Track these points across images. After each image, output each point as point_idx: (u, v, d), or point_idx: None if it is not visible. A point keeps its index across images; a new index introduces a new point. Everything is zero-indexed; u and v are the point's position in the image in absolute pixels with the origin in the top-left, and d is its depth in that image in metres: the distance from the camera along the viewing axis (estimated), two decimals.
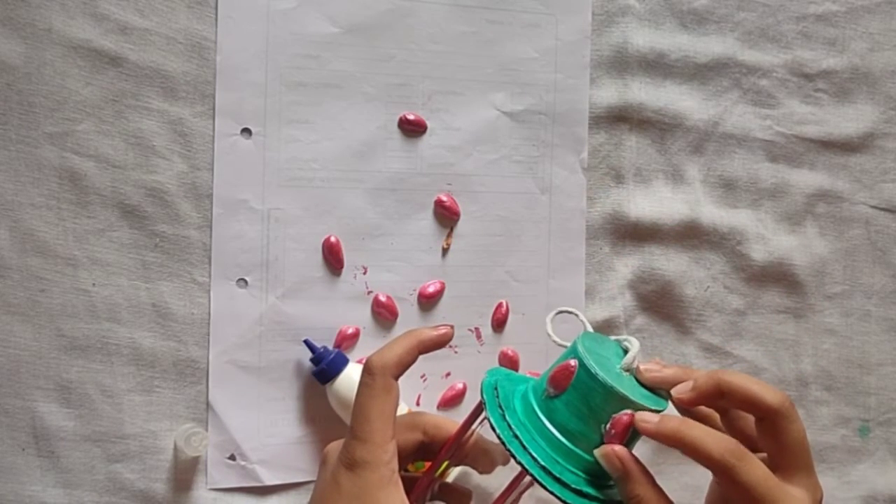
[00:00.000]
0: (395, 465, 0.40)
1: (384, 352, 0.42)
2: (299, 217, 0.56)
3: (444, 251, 0.59)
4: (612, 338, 0.45)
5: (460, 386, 0.59)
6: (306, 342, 0.54)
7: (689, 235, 0.64)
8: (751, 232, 0.65)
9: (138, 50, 0.53)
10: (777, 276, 0.66)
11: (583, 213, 0.61)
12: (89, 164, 0.52)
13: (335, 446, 0.42)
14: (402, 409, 0.54)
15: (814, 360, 0.66)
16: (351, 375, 0.54)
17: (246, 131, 0.55)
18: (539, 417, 0.41)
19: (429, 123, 0.58)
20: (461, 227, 0.59)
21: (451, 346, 0.59)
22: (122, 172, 0.53)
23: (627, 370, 0.42)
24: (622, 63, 0.62)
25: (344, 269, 0.57)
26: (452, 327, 0.45)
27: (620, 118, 0.62)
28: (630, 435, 0.40)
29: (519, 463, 0.39)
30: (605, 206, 0.62)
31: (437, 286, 0.58)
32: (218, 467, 0.54)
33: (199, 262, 0.54)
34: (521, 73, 0.60)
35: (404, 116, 0.57)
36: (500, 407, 0.41)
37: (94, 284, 0.53)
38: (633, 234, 0.63)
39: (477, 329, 0.59)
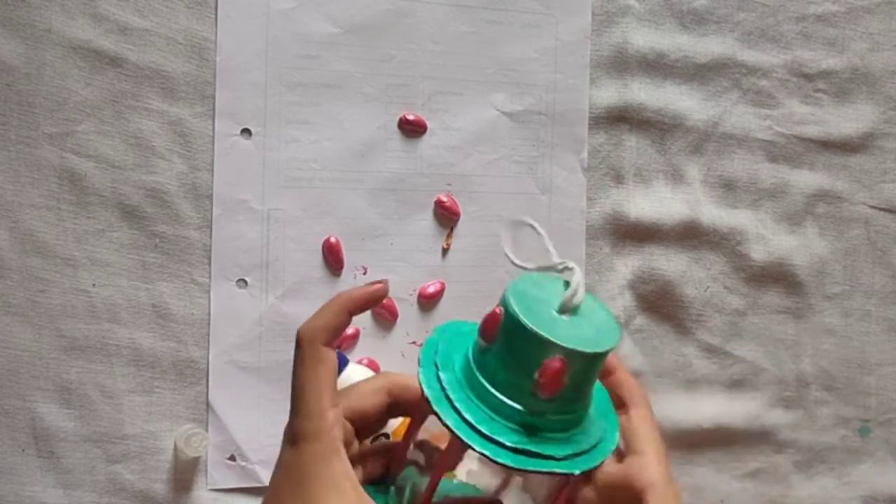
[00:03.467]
0: (336, 434, 0.38)
1: (311, 319, 0.40)
2: (299, 217, 0.56)
3: (444, 251, 0.59)
4: (556, 273, 0.40)
5: None
6: None
7: (689, 236, 0.64)
8: (751, 232, 0.65)
9: (138, 50, 0.53)
10: (777, 277, 0.66)
11: (583, 213, 0.61)
12: (89, 164, 0.52)
13: None
14: (367, 374, 0.54)
15: (814, 360, 0.66)
16: (351, 377, 0.53)
17: (246, 131, 0.55)
18: (474, 373, 0.37)
19: (429, 123, 0.58)
20: (461, 227, 0.59)
21: None
22: (121, 173, 0.53)
23: (566, 310, 0.38)
24: (622, 63, 0.62)
25: (344, 270, 0.57)
26: (385, 282, 0.41)
27: (620, 118, 0.62)
28: (577, 378, 0.36)
29: (445, 424, 0.35)
30: (605, 206, 0.62)
31: (437, 286, 0.58)
32: (218, 468, 0.54)
33: (199, 262, 0.54)
34: (520, 74, 0.60)
35: (404, 116, 0.57)
36: (436, 365, 0.38)
37: (94, 285, 0.53)
38: (633, 234, 0.63)
39: None
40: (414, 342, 0.58)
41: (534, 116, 0.60)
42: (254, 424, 0.55)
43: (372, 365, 0.56)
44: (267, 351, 0.55)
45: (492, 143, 0.59)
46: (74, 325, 0.52)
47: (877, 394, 0.69)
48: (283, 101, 0.55)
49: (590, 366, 0.36)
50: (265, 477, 0.55)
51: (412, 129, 0.58)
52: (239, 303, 0.55)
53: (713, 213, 0.64)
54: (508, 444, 0.35)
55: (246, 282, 0.55)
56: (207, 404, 0.54)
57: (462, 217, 0.59)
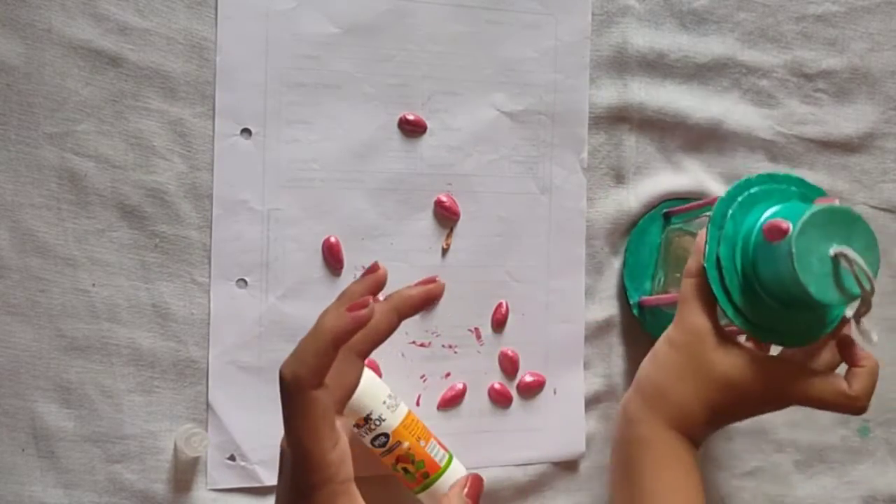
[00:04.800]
0: (343, 475, 0.38)
1: (294, 362, 0.38)
2: (299, 217, 0.56)
3: (444, 251, 0.59)
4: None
5: (460, 386, 0.59)
6: None
7: None
8: None
9: (138, 50, 0.53)
10: None
11: (583, 213, 0.61)
12: (89, 164, 0.52)
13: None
14: (386, 391, 0.54)
15: None
16: None
17: (246, 132, 0.55)
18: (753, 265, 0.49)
19: (429, 124, 0.58)
20: (461, 227, 0.59)
21: (450, 347, 0.59)
22: (122, 172, 0.53)
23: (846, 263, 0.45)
24: (622, 63, 0.62)
25: (344, 270, 0.57)
26: (361, 306, 0.38)
27: (620, 118, 0.62)
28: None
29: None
30: (605, 206, 0.62)
31: None
32: (218, 468, 0.54)
33: (199, 262, 0.54)
34: (520, 74, 0.60)
35: (404, 117, 0.57)
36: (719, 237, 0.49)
37: (94, 285, 0.53)
38: None
39: (477, 329, 0.59)
40: (413, 342, 0.58)
41: (534, 116, 0.60)
42: (254, 424, 0.55)
43: (371, 365, 0.56)
44: (267, 351, 0.55)
45: (492, 143, 0.59)
46: (74, 325, 0.52)
47: (877, 394, 0.69)
48: (283, 101, 0.55)
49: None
50: (265, 477, 0.55)
51: (412, 129, 0.58)
52: (239, 303, 0.55)
53: None
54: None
55: (246, 282, 0.55)
56: (207, 404, 0.54)
57: (462, 217, 0.59)
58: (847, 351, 0.51)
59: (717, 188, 0.64)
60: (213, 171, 0.54)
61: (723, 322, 0.50)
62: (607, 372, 0.62)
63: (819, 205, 0.46)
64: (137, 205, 0.53)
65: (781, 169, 0.66)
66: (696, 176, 0.64)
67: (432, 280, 0.43)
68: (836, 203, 0.47)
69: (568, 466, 0.61)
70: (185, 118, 0.54)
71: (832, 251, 0.45)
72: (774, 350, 0.54)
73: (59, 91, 0.52)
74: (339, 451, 0.38)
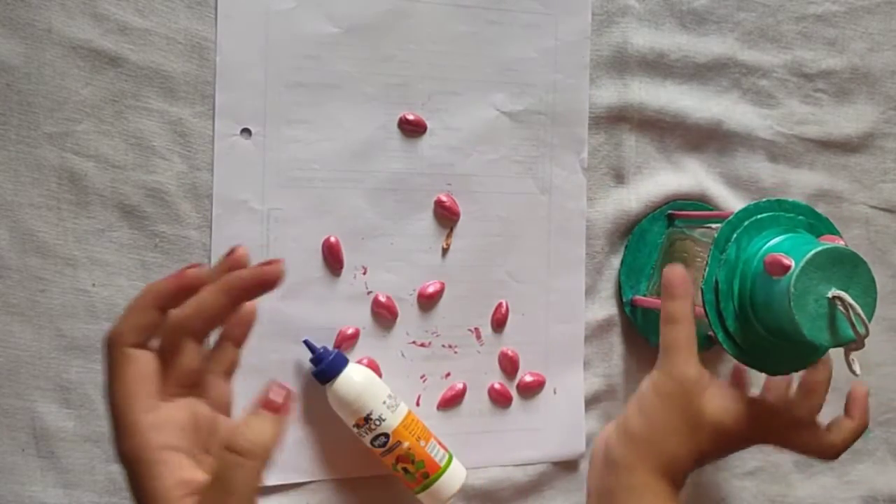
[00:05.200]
0: (159, 441, 0.35)
1: (115, 322, 0.36)
2: (299, 217, 0.56)
3: (444, 251, 0.59)
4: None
5: (460, 386, 0.59)
6: (306, 342, 0.54)
7: None
8: None
9: (138, 50, 0.53)
10: None
11: (583, 213, 0.61)
12: (89, 164, 0.52)
13: None
14: (386, 391, 0.54)
15: None
16: (351, 375, 0.54)
17: (246, 131, 0.55)
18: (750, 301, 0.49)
19: (429, 123, 0.58)
20: (461, 227, 0.59)
21: (450, 347, 0.59)
22: (122, 172, 0.53)
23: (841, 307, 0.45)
24: (622, 63, 0.62)
25: (344, 270, 0.57)
26: (191, 267, 0.37)
27: (620, 118, 0.62)
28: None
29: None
30: (605, 206, 0.62)
31: (437, 286, 0.58)
32: None
33: (199, 262, 0.54)
34: (520, 74, 0.60)
35: (404, 116, 0.57)
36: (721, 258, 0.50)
37: (93, 284, 0.53)
38: None
39: (477, 329, 0.59)
40: (413, 342, 0.58)
41: (534, 116, 0.60)
42: None
43: (371, 364, 0.56)
44: (267, 351, 0.55)
45: (492, 143, 0.59)
46: (74, 325, 0.52)
47: (876, 394, 0.69)
48: (283, 101, 0.55)
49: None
50: (265, 476, 0.55)
51: (412, 129, 0.58)
52: None
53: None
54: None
55: None
56: None
57: (462, 217, 0.59)
58: (853, 403, 0.53)
59: (717, 188, 0.64)
60: (213, 171, 0.54)
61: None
62: (607, 372, 0.62)
63: (823, 243, 0.46)
64: (137, 205, 0.53)
65: (781, 169, 0.66)
66: (696, 176, 0.64)
67: (273, 262, 0.38)
68: (842, 244, 0.47)
69: (568, 466, 0.61)
70: (185, 118, 0.54)
71: (830, 294, 0.45)
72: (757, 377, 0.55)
73: (59, 91, 0.52)
74: (156, 417, 0.35)
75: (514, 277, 0.60)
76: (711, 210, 0.63)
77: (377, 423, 0.53)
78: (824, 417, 0.67)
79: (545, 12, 0.60)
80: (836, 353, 0.50)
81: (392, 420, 0.53)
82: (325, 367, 0.54)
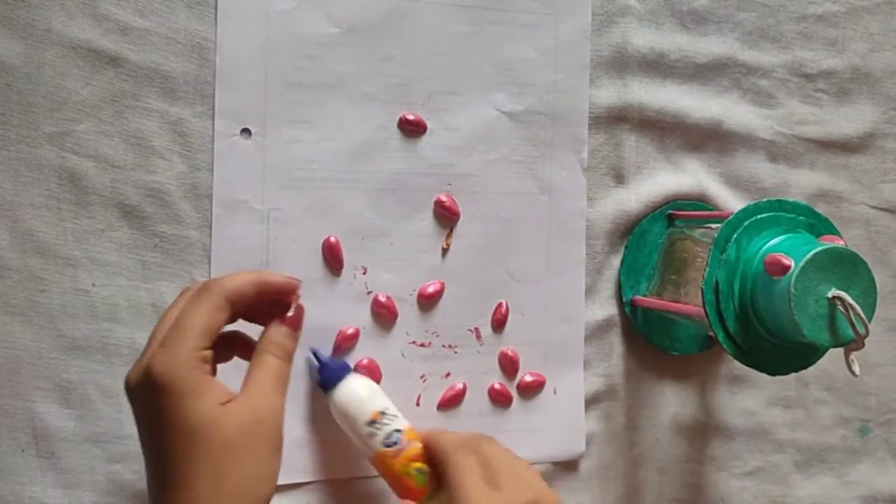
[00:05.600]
0: (198, 373, 0.38)
1: (225, 276, 0.42)
2: (299, 217, 0.56)
3: (444, 251, 0.59)
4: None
5: (460, 386, 0.59)
6: (312, 351, 0.54)
7: None
8: None
9: (138, 50, 0.53)
10: None
11: (583, 213, 0.61)
12: (89, 164, 0.52)
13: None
14: (369, 384, 0.54)
15: None
16: (353, 386, 0.53)
17: (246, 131, 0.55)
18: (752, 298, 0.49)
19: (429, 123, 0.58)
20: (461, 227, 0.59)
21: (450, 347, 0.59)
22: (122, 172, 0.53)
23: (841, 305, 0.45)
24: (622, 63, 0.62)
25: (344, 270, 0.57)
26: (299, 282, 0.45)
27: (620, 118, 0.62)
28: None
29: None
30: (605, 206, 0.62)
31: (437, 286, 0.58)
32: None
33: (199, 262, 0.54)
34: (520, 73, 0.60)
35: (404, 116, 0.57)
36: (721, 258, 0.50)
37: (94, 284, 0.53)
38: None
39: (477, 329, 0.59)
40: (413, 342, 0.58)
41: (534, 116, 0.60)
42: None
43: (371, 365, 0.56)
44: None
45: (492, 143, 0.59)
46: (74, 325, 0.52)
47: (877, 394, 0.69)
48: (283, 101, 0.55)
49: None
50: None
51: (412, 129, 0.58)
52: None
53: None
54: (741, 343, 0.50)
55: None
56: None
57: (462, 217, 0.59)
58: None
59: (717, 188, 0.64)
60: (213, 171, 0.54)
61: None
62: (607, 372, 0.62)
63: (823, 243, 0.46)
64: (137, 205, 0.53)
65: (781, 169, 0.66)
66: (696, 176, 0.64)
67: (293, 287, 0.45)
68: (842, 244, 0.47)
69: (568, 466, 0.61)
70: (185, 118, 0.54)
71: (830, 294, 0.45)
72: None
73: (59, 91, 0.52)
74: (202, 358, 0.40)
75: (514, 277, 0.60)
76: (711, 210, 0.63)
77: (392, 417, 0.52)
78: (824, 418, 0.67)
79: (545, 12, 0.60)
80: (836, 353, 0.50)
81: (403, 421, 0.53)
82: (326, 376, 0.53)
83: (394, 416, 0.53)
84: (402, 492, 0.52)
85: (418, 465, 0.51)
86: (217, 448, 0.36)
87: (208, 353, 0.39)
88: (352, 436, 0.53)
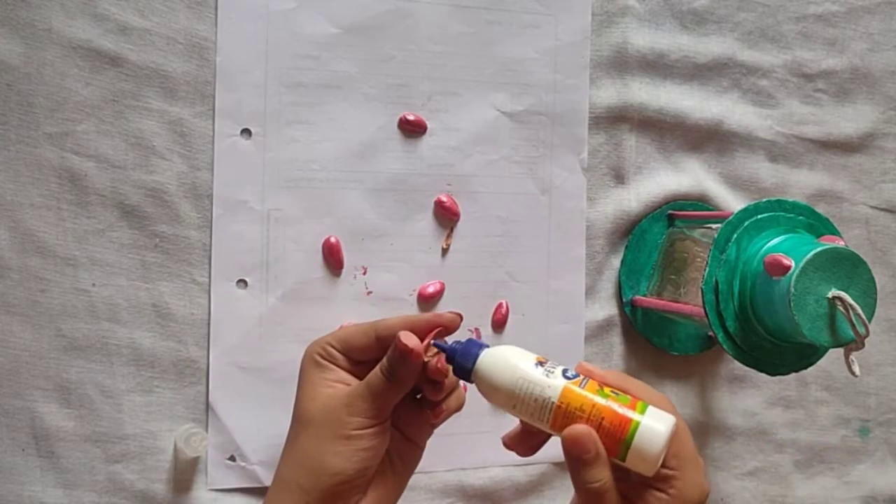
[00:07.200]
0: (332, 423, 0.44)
1: (388, 318, 0.46)
2: (299, 217, 0.56)
3: (444, 251, 0.59)
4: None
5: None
6: (436, 345, 0.46)
7: None
8: None
9: (138, 50, 0.53)
10: None
11: (583, 213, 0.61)
12: (89, 164, 0.52)
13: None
14: None
15: None
16: (493, 351, 0.46)
17: (246, 132, 0.55)
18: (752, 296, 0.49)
19: (429, 124, 0.58)
20: (461, 227, 0.59)
21: None
22: (122, 172, 0.53)
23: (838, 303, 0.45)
24: (622, 63, 0.62)
25: (344, 270, 0.57)
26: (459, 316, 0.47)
27: (620, 118, 0.62)
28: None
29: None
30: (605, 206, 0.62)
31: (437, 286, 0.58)
32: (218, 468, 0.54)
33: (199, 262, 0.54)
34: (520, 74, 0.60)
35: (404, 117, 0.57)
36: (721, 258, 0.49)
37: (94, 284, 0.53)
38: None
39: (477, 329, 0.59)
40: None
41: (534, 116, 0.60)
42: (254, 425, 0.55)
43: None
44: (267, 351, 0.55)
45: (492, 143, 0.59)
46: (74, 325, 0.52)
47: (877, 394, 0.69)
48: (283, 101, 0.55)
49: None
50: (265, 477, 0.55)
51: (412, 129, 0.58)
52: (239, 303, 0.55)
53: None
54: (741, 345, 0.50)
55: (246, 282, 0.55)
56: (207, 404, 0.54)
57: (462, 217, 0.59)
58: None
59: (717, 188, 0.64)
60: (213, 171, 0.54)
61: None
62: None
63: (823, 244, 0.46)
64: (137, 205, 0.53)
65: (781, 169, 0.66)
66: (696, 176, 0.64)
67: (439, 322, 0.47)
68: (842, 244, 0.47)
69: None
70: (185, 118, 0.54)
71: (830, 294, 0.45)
72: None
73: (59, 91, 0.52)
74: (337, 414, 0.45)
75: (514, 277, 0.60)
76: (711, 210, 0.63)
77: (553, 362, 0.45)
78: (824, 418, 0.67)
79: (545, 12, 0.60)
80: (836, 353, 0.50)
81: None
82: (460, 359, 0.46)
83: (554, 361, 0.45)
84: (605, 415, 0.42)
85: (610, 390, 0.43)
86: (296, 420, 0.46)
87: (333, 351, 0.46)
88: (520, 393, 0.44)
